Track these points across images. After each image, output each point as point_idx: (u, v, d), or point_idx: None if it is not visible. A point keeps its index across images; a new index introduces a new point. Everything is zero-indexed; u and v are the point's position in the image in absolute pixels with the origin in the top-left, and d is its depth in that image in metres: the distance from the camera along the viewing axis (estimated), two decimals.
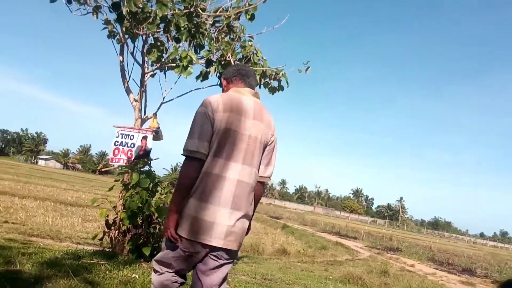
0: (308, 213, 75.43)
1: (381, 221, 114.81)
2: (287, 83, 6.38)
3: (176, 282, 2.45)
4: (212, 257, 2.35)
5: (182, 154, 2.31)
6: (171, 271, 2.43)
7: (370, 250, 21.25)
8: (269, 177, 2.52)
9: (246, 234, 2.50)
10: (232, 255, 2.40)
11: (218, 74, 6.03)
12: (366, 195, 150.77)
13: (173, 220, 2.29)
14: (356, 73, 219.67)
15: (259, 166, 2.45)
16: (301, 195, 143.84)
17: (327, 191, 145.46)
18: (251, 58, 6.03)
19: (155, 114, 6.27)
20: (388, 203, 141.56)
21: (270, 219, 33.75)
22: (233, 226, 2.30)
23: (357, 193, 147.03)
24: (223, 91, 2.63)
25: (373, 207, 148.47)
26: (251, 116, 2.38)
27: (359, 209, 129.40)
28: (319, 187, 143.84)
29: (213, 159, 2.28)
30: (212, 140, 2.28)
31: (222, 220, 2.26)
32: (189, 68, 5.30)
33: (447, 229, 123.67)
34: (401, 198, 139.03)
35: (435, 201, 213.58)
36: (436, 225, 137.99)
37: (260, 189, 2.51)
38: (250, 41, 6.15)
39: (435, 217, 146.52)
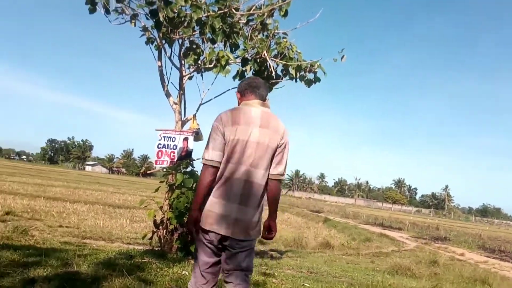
0: (349, 206, 74.51)
1: (426, 211, 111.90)
2: (324, 73, 6.33)
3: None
4: (226, 246, 2.74)
5: (201, 162, 2.77)
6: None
7: (416, 240, 20.80)
8: (280, 174, 2.82)
9: (272, 234, 2.91)
10: (243, 244, 2.75)
11: (253, 72, 6.10)
12: (409, 185, 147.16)
13: (191, 217, 2.74)
14: (393, 61, 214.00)
15: (270, 167, 2.79)
16: (340, 188, 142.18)
17: (367, 182, 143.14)
18: (286, 54, 6.05)
19: (194, 116, 6.42)
20: (433, 192, 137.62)
21: (310, 213, 33.62)
22: (240, 219, 2.70)
23: (399, 183, 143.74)
24: (238, 103, 2.98)
25: (417, 197, 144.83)
26: (258, 124, 2.76)
27: (402, 200, 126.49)
28: (359, 179, 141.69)
29: (226, 164, 2.72)
30: (225, 148, 2.72)
31: (230, 213, 2.69)
32: (227, 67, 5.41)
33: (497, 216, 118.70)
34: (446, 186, 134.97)
35: (483, 188, 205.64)
36: (484, 212, 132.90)
37: (276, 185, 2.83)
38: (285, 37, 6.17)
39: (483, 204, 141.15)
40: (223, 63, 5.35)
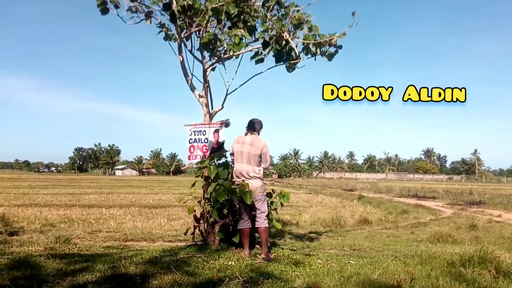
0: (380, 181, 73.87)
1: (457, 177, 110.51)
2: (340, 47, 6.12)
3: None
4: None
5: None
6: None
7: (452, 207, 20.45)
8: (266, 168, 5.78)
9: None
10: (255, 198, 5.57)
11: (274, 54, 5.92)
12: (438, 154, 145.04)
13: None
14: (412, 27, 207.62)
15: (259, 163, 5.69)
16: (370, 164, 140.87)
17: (396, 156, 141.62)
18: (303, 27, 5.84)
19: (222, 107, 6.36)
20: (462, 158, 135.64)
21: (344, 192, 33.42)
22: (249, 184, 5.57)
23: (428, 153, 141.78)
24: (246, 134, 5.77)
25: (447, 164, 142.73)
26: (248, 144, 5.63)
27: (432, 169, 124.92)
28: (388, 153, 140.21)
29: (236, 162, 5.68)
30: (235, 154, 5.73)
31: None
32: (240, 44, 5.31)
33: None
34: (476, 150, 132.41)
35: None
36: None
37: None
38: (298, 11, 5.93)
39: None
40: (236, 41, 5.25)
